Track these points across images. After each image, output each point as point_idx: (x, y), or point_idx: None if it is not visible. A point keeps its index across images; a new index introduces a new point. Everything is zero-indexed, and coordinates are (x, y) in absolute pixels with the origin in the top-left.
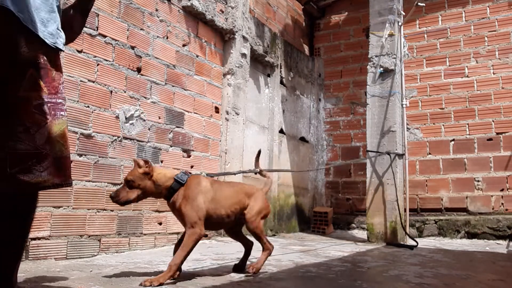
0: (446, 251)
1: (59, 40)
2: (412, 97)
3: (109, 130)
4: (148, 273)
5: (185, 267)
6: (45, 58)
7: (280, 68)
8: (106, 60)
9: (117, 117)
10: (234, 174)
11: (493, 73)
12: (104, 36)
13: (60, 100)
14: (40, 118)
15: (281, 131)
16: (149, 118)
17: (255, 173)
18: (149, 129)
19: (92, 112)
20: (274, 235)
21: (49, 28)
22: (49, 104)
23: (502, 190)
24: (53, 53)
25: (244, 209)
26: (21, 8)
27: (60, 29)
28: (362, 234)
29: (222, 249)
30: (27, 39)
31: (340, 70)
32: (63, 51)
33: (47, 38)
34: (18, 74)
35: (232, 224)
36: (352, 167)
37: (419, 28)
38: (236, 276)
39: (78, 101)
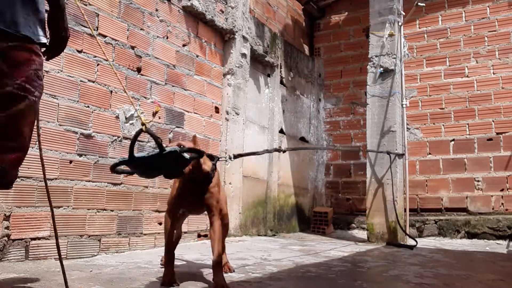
0: (446, 251)
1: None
2: (412, 97)
3: (109, 130)
4: (149, 273)
5: (185, 267)
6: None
7: (280, 68)
8: (106, 60)
9: (117, 117)
10: (259, 154)
11: (493, 73)
12: (104, 36)
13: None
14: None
15: (281, 131)
16: (149, 118)
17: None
18: None
19: (92, 112)
20: (274, 235)
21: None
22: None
23: (502, 190)
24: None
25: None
26: None
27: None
28: (362, 234)
29: None
30: None
31: (340, 70)
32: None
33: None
34: None
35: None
36: (352, 167)
37: (419, 28)
38: (236, 276)
39: (78, 101)
